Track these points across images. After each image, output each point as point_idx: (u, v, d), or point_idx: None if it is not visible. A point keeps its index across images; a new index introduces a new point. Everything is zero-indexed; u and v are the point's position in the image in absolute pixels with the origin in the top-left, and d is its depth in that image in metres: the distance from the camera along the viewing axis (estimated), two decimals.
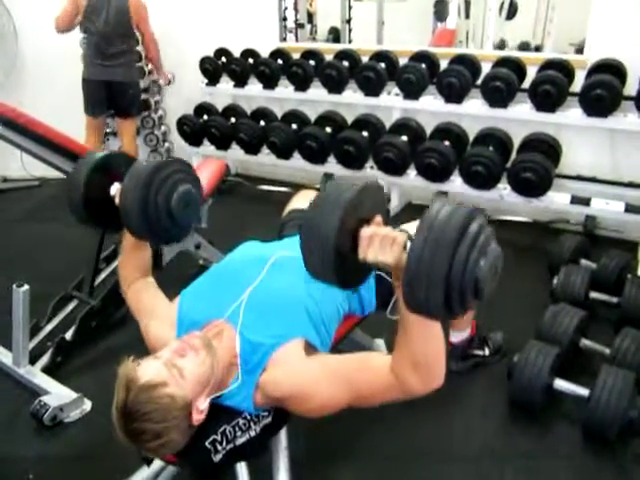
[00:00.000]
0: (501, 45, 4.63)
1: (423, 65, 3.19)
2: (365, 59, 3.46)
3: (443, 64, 3.24)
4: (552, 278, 2.60)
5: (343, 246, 1.03)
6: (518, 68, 3.01)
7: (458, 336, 2.11)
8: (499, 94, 2.91)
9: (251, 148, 3.58)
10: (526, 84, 2.96)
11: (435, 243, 0.91)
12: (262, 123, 3.63)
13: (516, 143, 2.99)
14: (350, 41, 4.73)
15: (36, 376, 2.10)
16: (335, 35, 5.12)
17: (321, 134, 3.35)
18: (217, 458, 1.28)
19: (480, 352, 2.16)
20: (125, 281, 1.60)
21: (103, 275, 2.51)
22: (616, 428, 1.72)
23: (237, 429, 1.31)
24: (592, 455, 1.77)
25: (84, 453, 1.88)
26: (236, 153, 3.73)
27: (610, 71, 2.73)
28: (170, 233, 1.49)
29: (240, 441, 1.32)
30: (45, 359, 2.17)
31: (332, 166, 3.47)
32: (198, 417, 1.21)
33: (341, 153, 3.29)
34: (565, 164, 2.91)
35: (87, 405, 2.03)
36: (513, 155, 2.96)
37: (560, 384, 1.88)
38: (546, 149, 2.81)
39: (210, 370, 1.24)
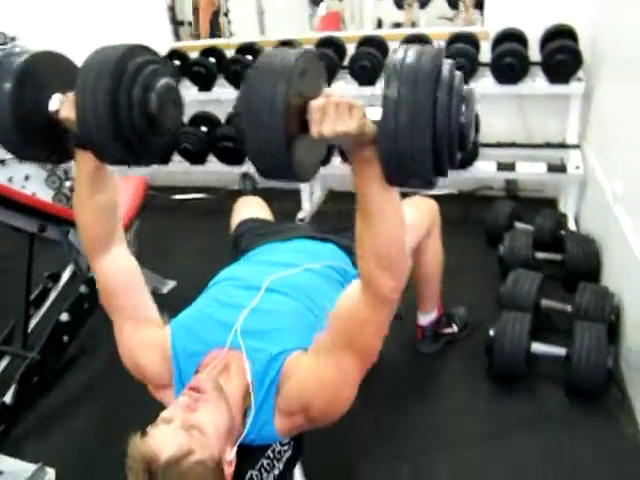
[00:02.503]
0: (379, 24, 4.66)
1: (331, 50, 3.14)
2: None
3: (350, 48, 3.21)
4: (492, 246, 2.69)
5: (293, 125, 0.88)
6: (427, 43, 3.04)
7: (427, 318, 2.12)
8: None
9: (160, 158, 3.34)
10: None
11: (412, 93, 0.80)
12: None
13: None
14: (231, 34, 4.53)
15: None
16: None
17: (235, 133, 3.19)
18: None
19: (449, 330, 2.17)
20: (92, 244, 1.25)
21: (35, 320, 2.21)
22: (599, 380, 1.80)
23: (263, 471, 1.22)
24: (580, 408, 1.84)
25: None
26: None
27: (513, 39, 2.83)
28: (152, 145, 1.08)
29: None
30: None
31: (249, 165, 3.32)
32: (229, 470, 1.10)
33: None
34: (483, 133, 3.00)
35: (50, 474, 1.79)
36: None
37: (537, 347, 1.94)
38: None
39: (228, 415, 1.13)
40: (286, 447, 1.26)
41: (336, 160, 3.10)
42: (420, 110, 0.80)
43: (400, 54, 0.84)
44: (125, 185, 2.60)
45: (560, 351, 1.92)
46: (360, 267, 1.07)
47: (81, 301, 2.20)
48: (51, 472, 1.80)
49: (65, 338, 2.15)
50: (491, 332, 1.95)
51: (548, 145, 2.89)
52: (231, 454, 1.10)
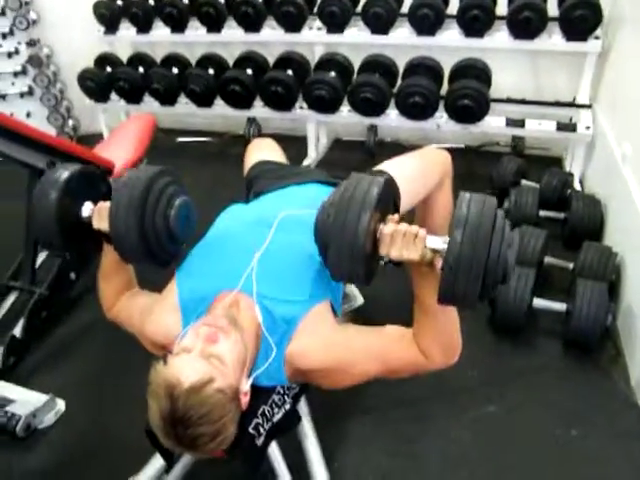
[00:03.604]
0: None
1: None
2: None
3: None
4: (499, 203, 2.71)
5: (368, 246, 1.06)
6: None
7: None
8: (427, 21, 2.86)
9: (167, 98, 3.29)
10: (450, 10, 2.94)
11: (473, 239, 0.96)
12: (175, 71, 3.33)
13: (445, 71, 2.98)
14: None
15: None
16: None
17: (244, 77, 3.13)
18: (260, 441, 1.23)
19: None
20: (107, 304, 1.49)
21: (42, 257, 2.22)
22: (597, 336, 1.85)
23: (274, 406, 1.26)
24: (576, 363, 1.90)
25: (71, 458, 1.73)
26: (150, 105, 3.41)
27: None
28: (168, 252, 1.32)
29: (277, 417, 1.27)
30: None
31: (257, 110, 3.29)
32: (245, 400, 1.14)
33: (268, 95, 3.12)
34: (492, 88, 2.96)
35: (60, 405, 1.85)
36: (445, 83, 2.96)
37: (538, 302, 1.98)
38: (478, 74, 2.83)
39: (244, 348, 1.16)
40: (294, 384, 1.30)
41: (344, 109, 3.08)
42: (477, 260, 0.96)
43: (465, 205, 1.01)
44: (134, 123, 2.57)
45: (560, 307, 1.97)
46: (417, 341, 1.22)
47: None
48: (61, 403, 1.85)
49: (72, 275, 2.17)
50: None
51: (558, 103, 2.87)
52: (246, 385, 1.14)
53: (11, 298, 2.11)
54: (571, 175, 2.71)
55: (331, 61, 3.09)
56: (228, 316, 1.17)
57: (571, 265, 2.15)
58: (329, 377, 1.25)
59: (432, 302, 1.09)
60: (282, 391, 1.27)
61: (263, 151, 2.00)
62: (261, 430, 1.21)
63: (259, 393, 1.20)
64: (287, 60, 3.18)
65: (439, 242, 1.05)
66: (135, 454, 1.54)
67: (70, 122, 3.74)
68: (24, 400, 1.79)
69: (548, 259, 2.20)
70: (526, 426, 1.70)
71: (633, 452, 1.60)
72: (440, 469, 1.60)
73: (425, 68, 2.94)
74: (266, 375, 1.21)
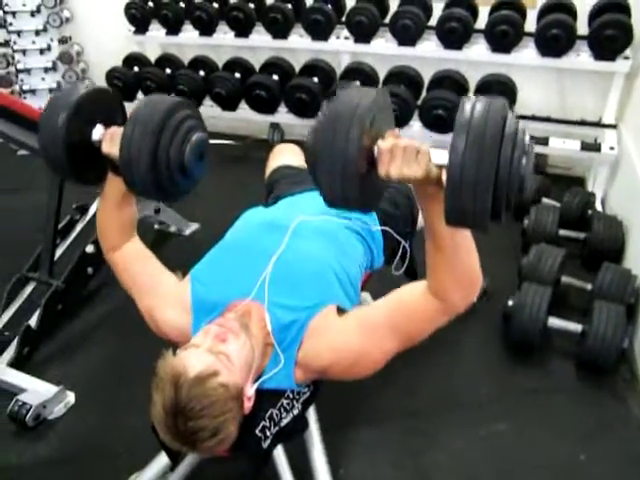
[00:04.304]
0: None
1: (373, 6, 3.06)
2: (309, 1, 3.27)
3: (393, 5, 3.13)
4: (516, 219, 2.69)
5: (362, 165, 0.93)
6: (471, 8, 2.96)
7: None
8: (455, 35, 2.86)
9: (192, 100, 3.32)
10: (479, 24, 2.94)
11: (478, 146, 0.84)
12: (202, 73, 3.37)
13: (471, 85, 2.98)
14: None
15: (4, 373, 1.89)
16: None
17: (270, 82, 3.16)
18: (266, 444, 1.22)
19: None
20: (108, 243, 1.39)
21: (61, 250, 2.25)
22: (612, 359, 1.82)
23: (282, 410, 1.25)
24: (589, 385, 1.87)
25: (78, 451, 1.74)
26: None
27: (562, 10, 2.74)
28: (177, 187, 1.23)
29: (285, 422, 1.26)
30: (10, 352, 1.95)
31: (282, 116, 3.31)
32: (248, 405, 1.13)
33: (293, 101, 3.14)
34: (518, 104, 2.94)
35: (70, 397, 1.87)
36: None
37: (553, 322, 1.95)
38: (504, 90, 2.82)
39: (252, 353, 1.16)
40: (305, 389, 1.29)
41: None
42: (484, 171, 0.84)
43: (468, 108, 0.87)
44: None
45: (576, 327, 1.94)
46: (432, 285, 1.11)
47: None
48: (70, 395, 1.87)
49: (90, 270, 2.20)
50: (510, 302, 1.97)
51: (583, 122, 2.84)
52: (251, 390, 1.13)
53: (28, 289, 2.15)
54: (593, 195, 2.68)
55: (357, 70, 3.11)
56: (239, 320, 1.18)
57: (589, 286, 2.12)
58: (350, 370, 1.22)
59: (443, 229, 0.99)
60: (292, 396, 1.26)
61: (285, 156, 2.01)
62: (268, 433, 1.21)
63: (268, 396, 1.19)
64: (313, 67, 3.20)
65: (445, 156, 0.92)
66: (141, 450, 1.55)
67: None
68: (35, 390, 1.82)
69: (565, 278, 2.17)
70: (535, 447, 1.67)
71: None
72: None
73: (450, 81, 2.93)
74: (275, 380, 1.20)
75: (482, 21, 2.93)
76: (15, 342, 1.95)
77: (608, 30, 2.61)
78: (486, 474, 1.60)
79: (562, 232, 2.46)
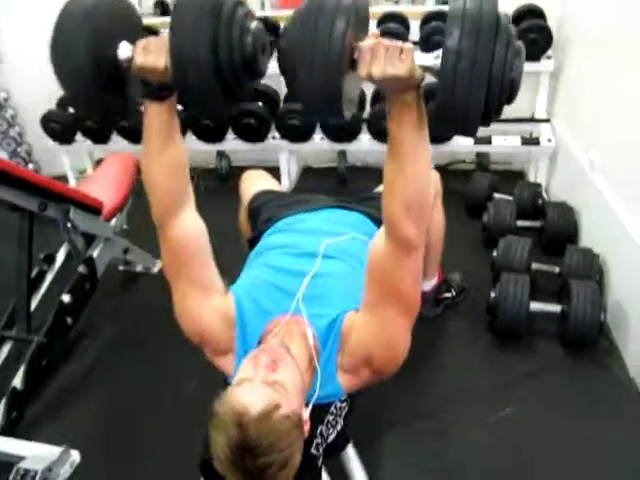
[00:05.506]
0: None
1: None
2: None
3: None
4: (472, 216, 2.85)
5: (345, 64, 0.88)
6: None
7: (429, 284, 2.21)
8: None
9: (137, 136, 3.25)
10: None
11: (473, 36, 0.80)
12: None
13: None
14: None
15: None
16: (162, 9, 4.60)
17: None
18: (319, 462, 1.23)
19: (448, 294, 2.29)
20: (161, 207, 1.21)
21: (34, 304, 2.12)
22: (594, 334, 1.96)
23: (329, 426, 1.28)
24: (576, 360, 2.00)
25: None
26: (117, 144, 3.37)
27: (534, 16, 2.91)
28: (245, 89, 1.05)
29: (331, 438, 1.29)
30: None
31: (229, 143, 3.31)
32: (307, 428, 1.14)
33: (241, 128, 3.15)
34: None
35: (75, 455, 1.77)
36: None
37: (534, 306, 2.07)
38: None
39: (300, 375, 1.18)
40: (344, 404, 1.32)
41: (316, 137, 3.16)
42: (479, 65, 0.81)
43: (460, 2, 0.84)
44: (114, 161, 2.54)
45: (555, 308, 2.07)
46: (387, 217, 1.10)
47: (82, 281, 2.15)
48: (75, 454, 1.77)
49: (69, 320, 2.10)
50: (492, 294, 2.08)
51: (519, 120, 3.05)
52: (306, 413, 1.14)
53: (5, 349, 2.02)
54: (539, 186, 2.88)
55: (289, 91, 3.15)
56: (283, 345, 1.19)
57: (556, 269, 2.28)
58: (391, 352, 1.24)
59: (409, 139, 0.98)
60: (335, 411, 1.28)
61: (260, 182, 2.05)
62: (320, 450, 1.22)
63: (316, 413, 1.21)
64: (256, 92, 3.23)
65: (429, 58, 0.89)
66: None
67: (30, 166, 3.64)
68: (36, 455, 1.70)
69: (535, 265, 2.31)
70: (543, 424, 1.77)
71: None
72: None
73: None
74: (322, 392, 1.22)
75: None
76: (1, 407, 1.83)
77: (530, 34, 2.83)
78: (505, 458, 1.67)
79: (520, 223, 2.62)
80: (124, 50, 1.05)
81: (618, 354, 2.01)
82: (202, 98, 0.99)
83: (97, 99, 1.05)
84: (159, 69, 1.01)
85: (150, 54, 1.01)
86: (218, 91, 0.98)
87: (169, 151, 1.16)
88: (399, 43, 0.89)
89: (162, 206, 1.21)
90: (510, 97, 0.91)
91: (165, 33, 0.98)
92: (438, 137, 2.90)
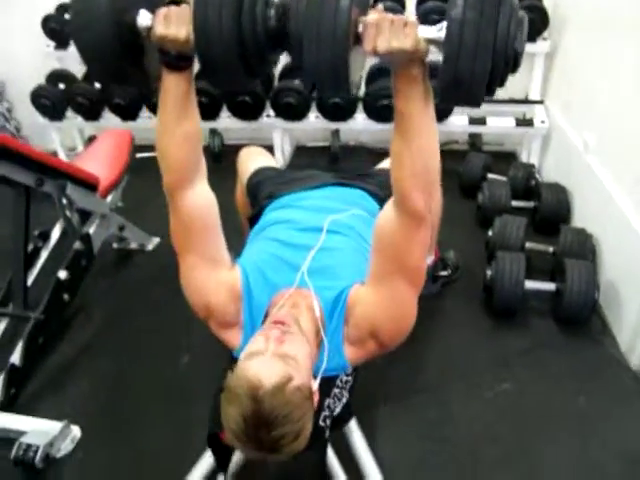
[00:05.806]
0: None
1: None
2: None
3: None
4: (466, 196, 2.87)
5: (349, 39, 0.89)
6: None
7: (428, 260, 2.23)
8: None
9: (129, 113, 3.21)
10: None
11: (478, 6, 0.82)
12: None
13: None
14: None
15: None
16: None
17: (211, 88, 3.11)
18: (327, 434, 1.26)
19: (444, 272, 2.31)
20: (173, 176, 1.20)
21: (29, 280, 2.10)
22: (588, 312, 2.01)
23: (335, 399, 1.30)
24: (570, 337, 2.04)
25: None
26: (109, 121, 3.32)
27: None
28: (266, 64, 1.07)
29: (337, 410, 1.31)
30: None
31: (223, 120, 3.28)
32: (316, 399, 1.16)
33: (235, 105, 3.12)
34: None
35: (76, 430, 1.78)
36: None
37: (530, 285, 2.11)
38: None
39: (309, 347, 1.19)
40: (350, 377, 1.34)
41: (311, 115, 3.14)
42: (484, 34, 0.82)
43: None
44: (110, 137, 2.51)
45: (550, 286, 2.11)
46: (397, 189, 1.11)
47: (78, 258, 2.13)
48: (76, 429, 1.78)
49: (65, 296, 2.09)
50: (489, 272, 2.11)
51: (513, 101, 3.06)
52: (315, 384, 1.16)
53: (1, 326, 2.01)
54: (533, 167, 2.90)
55: (296, 69, 3.14)
56: (291, 316, 1.20)
57: (550, 248, 2.31)
58: (398, 323, 1.26)
59: (416, 115, 1.00)
60: (340, 384, 1.30)
61: (258, 159, 2.04)
62: (328, 422, 1.25)
63: (323, 385, 1.22)
64: None
65: (433, 31, 0.90)
66: (163, 469, 1.55)
67: (11, 124, 3.55)
68: (37, 430, 1.71)
69: (529, 244, 2.34)
70: (539, 399, 1.82)
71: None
72: (472, 449, 1.67)
73: (388, 72, 3.03)
74: (329, 365, 1.23)
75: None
76: (0, 384, 1.83)
77: (528, 14, 2.82)
78: (504, 430, 1.72)
79: (514, 203, 2.65)
80: (144, 18, 1.02)
81: (610, 331, 2.06)
82: (224, 70, 1.00)
83: (116, 67, 1.04)
84: (180, 40, 0.99)
85: (171, 24, 0.99)
86: (240, 64, 0.98)
87: (185, 122, 1.15)
88: (403, 17, 0.91)
89: (174, 176, 1.20)
90: (514, 66, 0.92)
91: (185, 3, 0.97)
92: (439, 117, 2.90)
